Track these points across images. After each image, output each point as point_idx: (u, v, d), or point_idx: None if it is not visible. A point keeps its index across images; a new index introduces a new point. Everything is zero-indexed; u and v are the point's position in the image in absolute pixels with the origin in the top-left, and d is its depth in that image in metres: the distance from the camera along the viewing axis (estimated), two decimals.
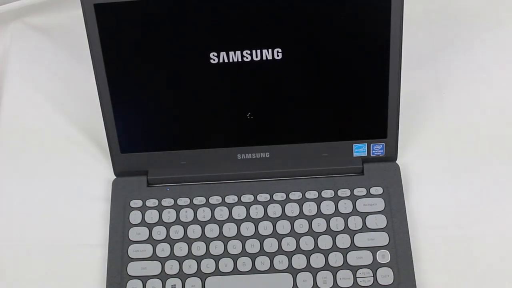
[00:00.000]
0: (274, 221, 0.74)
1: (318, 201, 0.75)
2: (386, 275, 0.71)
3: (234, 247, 0.73)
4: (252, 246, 0.73)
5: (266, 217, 0.75)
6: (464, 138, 0.80)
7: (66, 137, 0.83)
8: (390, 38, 0.70)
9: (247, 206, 0.75)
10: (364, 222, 0.74)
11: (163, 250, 0.73)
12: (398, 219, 0.73)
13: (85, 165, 0.80)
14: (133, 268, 0.73)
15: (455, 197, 0.76)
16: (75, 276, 0.74)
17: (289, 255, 0.72)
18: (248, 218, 0.75)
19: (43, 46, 0.89)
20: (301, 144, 0.76)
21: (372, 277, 0.71)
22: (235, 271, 0.72)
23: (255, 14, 0.69)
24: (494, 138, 0.80)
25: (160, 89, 0.73)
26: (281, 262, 0.72)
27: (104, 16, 0.69)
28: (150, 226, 0.75)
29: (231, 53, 0.71)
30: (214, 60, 0.71)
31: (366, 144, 0.76)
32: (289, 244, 0.73)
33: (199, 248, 0.73)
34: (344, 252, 0.72)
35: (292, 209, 0.75)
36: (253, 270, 0.72)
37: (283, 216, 0.74)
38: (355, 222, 0.74)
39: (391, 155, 0.77)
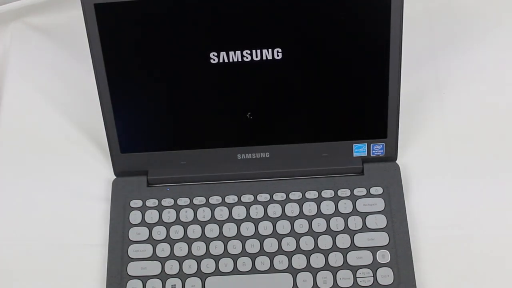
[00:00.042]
0: (274, 221, 0.74)
1: (318, 201, 0.75)
2: (386, 275, 0.71)
3: (234, 247, 0.73)
4: (252, 246, 0.73)
5: (266, 217, 0.75)
6: (464, 138, 0.80)
7: (66, 137, 0.83)
8: (390, 38, 0.70)
9: (247, 206, 0.75)
10: (364, 222, 0.74)
11: (163, 250, 0.73)
12: (398, 219, 0.73)
13: (85, 165, 0.80)
14: (133, 268, 0.73)
15: (455, 197, 0.76)
16: (75, 276, 0.74)
17: (289, 255, 0.72)
18: (248, 218, 0.75)
19: (43, 46, 0.89)
20: (301, 144, 0.76)
21: (372, 277, 0.71)
22: (235, 271, 0.72)
23: (255, 14, 0.69)
24: (494, 138, 0.80)
25: (160, 89, 0.73)
26: (281, 262, 0.72)
27: (104, 16, 0.69)
28: (150, 226, 0.75)
29: (231, 53, 0.71)
30: (214, 60, 0.71)
31: (366, 144, 0.76)
32: (289, 244, 0.73)
33: (199, 248, 0.73)
34: (344, 252, 0.72)
35: (292, 209, 0.75)
36: (253, 270, 0.72)
37: (283, 216, 0.74)
38: (355, 222, 0.74)
39: (391, 155, 0.77)
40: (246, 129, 0.75)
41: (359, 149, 0.76)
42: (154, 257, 0.73)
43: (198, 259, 0.73)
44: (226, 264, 0.72)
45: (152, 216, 0.75)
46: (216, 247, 0.73)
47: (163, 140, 0.76)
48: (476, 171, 0.77)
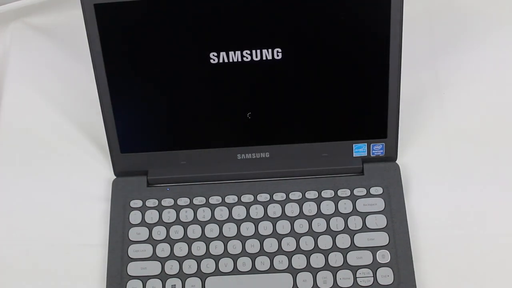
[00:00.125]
0: (274, 221, 0.74)
1: (318, 201, 0.75)
2: (386, 275, 0.71)
3: (234, 247, 0.73)
4: (252, 246, 0.73)
5: (266, 217, 0.75)
6: (464, 138, 0.80)
7: (66, 137, 0.83)
8: (390, 37, 0.70)
9: (247, 206, 0.75)
10: (364, 222, 0.74)
11: (163, 250, 0.73)
12: (398, 219, 0.73)
13: (85, 165, 0.81)
14: (133, 268, 0.73)
15: (455, 197, 0.76)
16: (75, 276, 0.74)
17: (289, 255, 0.72)
18: (248, 218, 0.75)
19: (43, 46, 0.89)
20: (301, 144, 0.76)
21: (372, 277, 0.71)
22: (235, 271, 0.72)
23: (255, 14, 0.69)
24: (494, 138, 0.80)
25: (160, 89, 0.73)
26: (281, 262, 0.72)
27: (104, 16, 0.69)
28: (150, 226, 0.75)
29: (231, 53, 0.71)
30: (214, 60, 0.71)
31: (366, 144, 0.76)
32: (289, 244, 0.73)
33: (199, 248, 0.73)
34: (344, 252, 0.72)
35: (292, 209, 0.75)
36: (253, 270, 0.72)
37: (283, 216, 0.74)
38: (355, 222, 0.74)
39: (391, 155, 0.77)
40: (246, 129, 0.75)
41: (359, 149, 0.76)
42: (154, 257, 0.73)
43: (198, 259, 0.73)
44: (226, 264, 0.72)
45: (152, 216, 0.75)
46: (216, 247, 0.73)
47: (163, 140, 0.76)
48: (476, 171, 0.77)
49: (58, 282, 0.74)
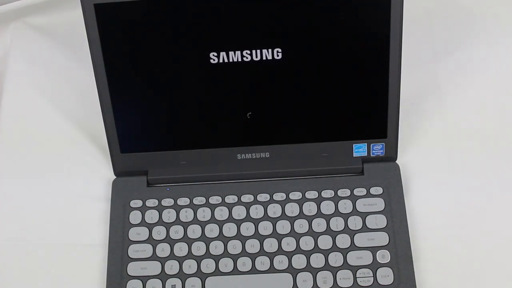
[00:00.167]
0: (274, 221, 0.74)
1: (318, 201, 0.75)
2: (386, 275, 0.71)
3: (234, 247, 0.73)
4: (252, 246, 0.73)
5: (266, 217, 0.75)
6: (464, 138, 0.80)
7: (66, 137, 0.83)
8: (390, 37, 0.70)
9: (247, 206, 0.75)
10: (364, 222, 0.74)
11: (163, 250, 0.73)
12: (398, 219, 0.73)
13: (85, 165, 0.81)
14: (133, 268, 0.73)
15: (455, 197, 0.76)
16: (75, 276, 0.74)
17: (289, 255, 0.72)
18: (248, 218, 0.75)
19: (43, 46, 0.89)
20: (301, 144, 0.76)
21: (372, 277, 0.71)
22: (235, 271, 0.72)
23: (255, 14, 0.69)
24: (494, 138, 0.80)
25: (160, 89, 0.73)
26: (281, 262, 0.72)
27: (104, 16, 0.69)
28: (150, 226, 0.75)
29: (231, 53, 0.71)
30: (214, 60, 0.71)
31: (366, 144, 0.76)
32: (289, 244, 0.73)
33: (199, 248, 0.73)
34: (344, 252, 0.72)
35: (292, 209, 0.75)
36: (253, 270, 0.72)
37: (283, 216, 0.74)
38: (355, 222, 0.74)
39: (391, 155, 0.77)
40: (246, 129, 0.75)
41: (359, 149, 0.76)
42: (154, 257, 0.73)
43: (198, 259, 0.73)
44: (226, 264, 0.72)
45: (152, 216, 0.75)
46: (216, 247, 0.73)
47: (163, 140, 0.76)
48: (476, 171, 0.77)
49: (58, 282, 0.74)
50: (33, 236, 0.76)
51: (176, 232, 0.74)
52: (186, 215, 0.75)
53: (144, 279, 0.72)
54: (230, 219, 0.75)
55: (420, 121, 0.81)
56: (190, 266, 0.73)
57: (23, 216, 0.78)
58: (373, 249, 0.72)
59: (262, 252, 0.73)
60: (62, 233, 0.76)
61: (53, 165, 0.81)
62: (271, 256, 0.73)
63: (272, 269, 0.72)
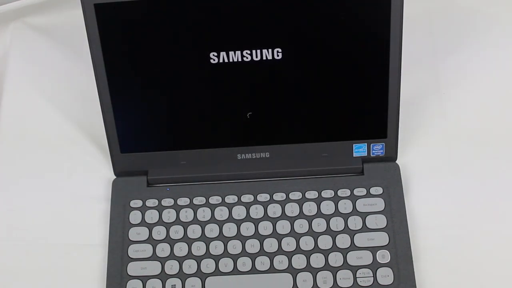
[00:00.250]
0: (274, 221, 0.74)
1: (318, 201, 0.75)
2: (386, 275, 0.71)
3: (234, 247, 0.73)
4: (252, 246, 0.73)
5: (266, 217, 0.75)
6: (464, 138, 0.80)
7: (66, 137, 0.83)
8: (390, 38, 0.70)
9: (247, 206, 0.75)
10: (364, 222, 0.74)
11: (163, 250, 0.73)
12: (398, 219, 0.73)
13: (85, 165, 0.81)
14: (133, 268, 0.73)
15: (455, 197, 0.76)
16: (75, 276, 0.74)
17: (289, 255, 0.72)
18: (248, 218, 0.75)
19: (43, 46, 0.89)
20: (301, 144, 0.76)
21: (372, 277, 0.71)
22: (235, 271, 0.72)
23: (255, 14, 0.69)
24: (494, 138, 0.80)
25: (160, 89, 0.73)
26: (281, 262, 0.72)
27: (104, 16, 0.69)
28: (150, 226, 0.75)
29: (231, 53, 0.71)
30: (214, 60, 0.71)
31: (366, 144, 0.76)
32: (289, 244, 0.73)
33: (199, 248, 0.73)
34: (344, 252, 0.72)
35: (292, 209, 0.75)
36: (253, 270, 0.72)
37: (283, 216, 0.74)
38: (355, 222, 0.74)
39: (391, 155, 0.77)
40: (246, 129, 0.75)
41: (359, 149, 0.76)
42: (154, 257, 0.73)
43: (198, 259, 0.73)
44: (226, 264, 0.72)
45: (152, 216, 0.75)
46: (216, 247, 0.73)
47: (163, 140, 0.76)
48: (476, 171, 0.77)
49: (58, 282, 0.74)
50: (33, 236, 0.76)
51: (176, 232, 0.74)
52: (186, 215, 0.75)
53: (144, 279, 0.72)
54: (230, 219, 0.75)
55: (420, 121, 0.81)
56: (190, 266, 0.73)
57: (23, 216, 0.78)
58: (373, 249, 0.72)
59: (262, 252, 0.73)
60: (62, 233, 0.76)
61: (53, 165, 0.81)
62: (271, 256, 0.73)
63: (272, 269, 0.72)
